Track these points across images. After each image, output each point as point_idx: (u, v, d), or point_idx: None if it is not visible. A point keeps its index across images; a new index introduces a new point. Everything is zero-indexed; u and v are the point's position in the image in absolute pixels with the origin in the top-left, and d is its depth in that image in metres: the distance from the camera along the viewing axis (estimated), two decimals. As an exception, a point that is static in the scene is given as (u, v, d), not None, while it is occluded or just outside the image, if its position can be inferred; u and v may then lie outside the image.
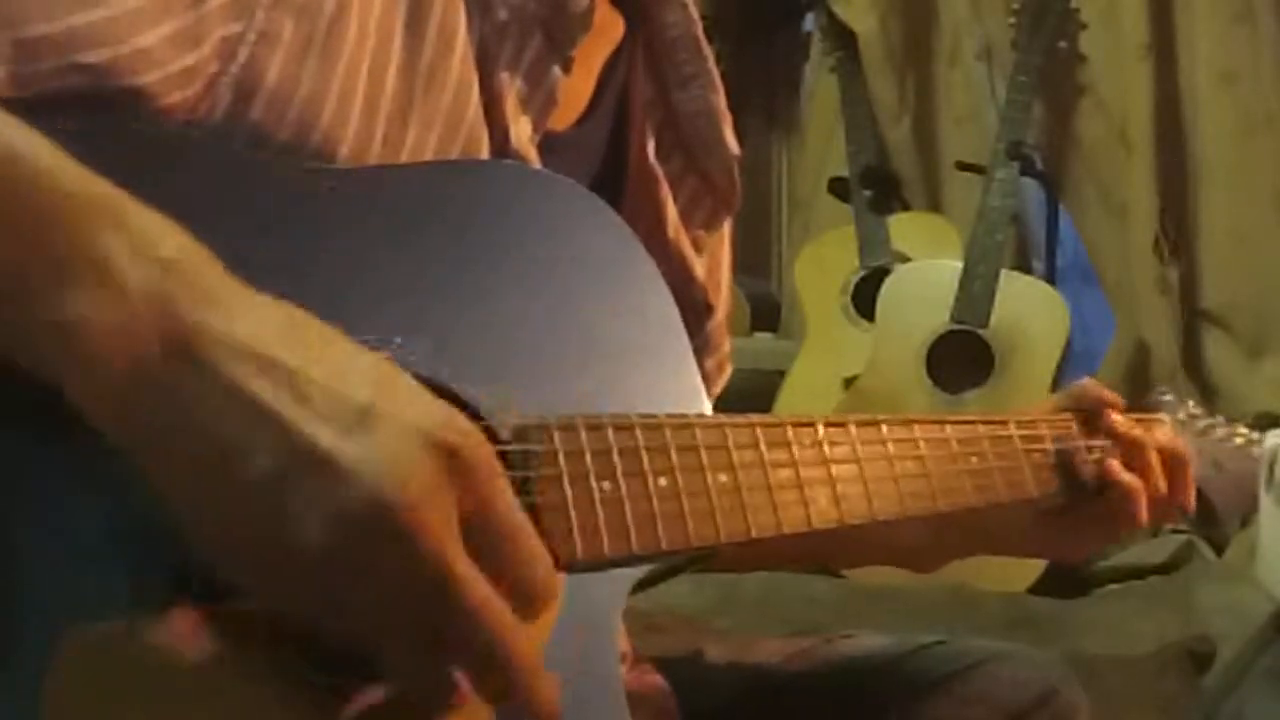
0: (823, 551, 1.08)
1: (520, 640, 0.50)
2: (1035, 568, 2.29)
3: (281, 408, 0.47)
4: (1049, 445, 0.91)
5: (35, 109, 0.49)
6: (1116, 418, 0.94)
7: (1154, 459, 0.94)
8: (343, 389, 0.48)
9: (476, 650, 0.49)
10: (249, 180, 0.60)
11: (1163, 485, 0.94)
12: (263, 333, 0.48)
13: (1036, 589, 2.26)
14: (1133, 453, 0.94)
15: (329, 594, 0.48)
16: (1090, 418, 0.95)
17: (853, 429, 0.76)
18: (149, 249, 0.47)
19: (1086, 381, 0.98)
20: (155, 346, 0.46)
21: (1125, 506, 0.92)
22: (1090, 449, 0.94)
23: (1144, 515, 0.93)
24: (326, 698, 0.53)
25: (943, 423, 0.84)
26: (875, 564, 1.03)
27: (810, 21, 3.32)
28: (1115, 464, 0.93)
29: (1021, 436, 0.90)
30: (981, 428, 0.87)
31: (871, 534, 0.78)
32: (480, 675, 0.50)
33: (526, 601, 0.51)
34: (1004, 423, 0.89)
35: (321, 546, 0.47)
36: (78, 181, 0.47)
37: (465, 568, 0.49)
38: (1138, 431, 0.95)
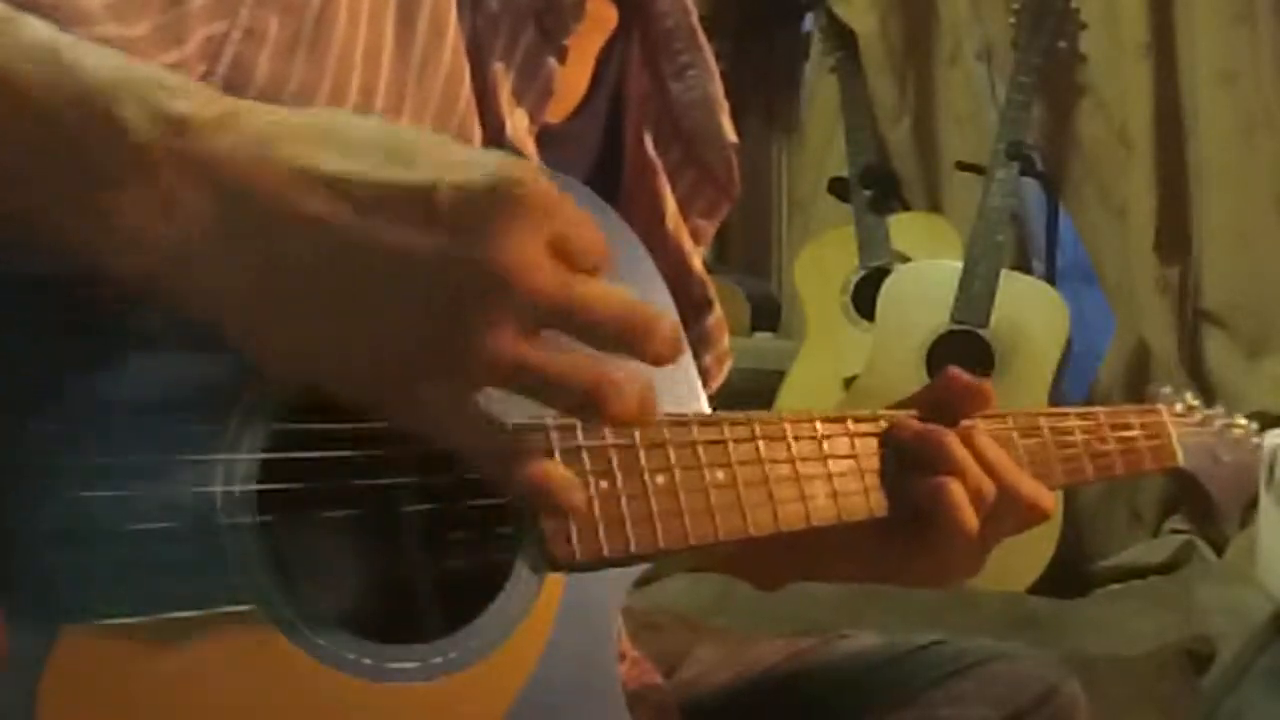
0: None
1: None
2: (1035, 567, 2.29)
3: (349, 219, 0.48)
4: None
5: None
6: (898, 425, 0.79)
7: (959, 453, 0.78)
8: (399, 179, 0.49)
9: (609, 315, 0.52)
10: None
11: (986, 484, 0.78)
12: (302, 152, 0.49)
13: (1036, 589, 2.26)
14: (929, 453, 0.78)
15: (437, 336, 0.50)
16: (946, 415, 0.81)
17: (851, 425, 0.76)
18: (166, 110, 0.48)
19: (947, 370, 0.82)
20: (192, 203, 0.48)
21: (940, 512, 0.76)
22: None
23: (968, 517, 0.77)
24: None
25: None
26: (722, 572, 0.93)
27: (810, 21, 3.32)
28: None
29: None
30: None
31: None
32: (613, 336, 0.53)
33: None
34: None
35: (423, 310, 0.49)
36: (91, 57, 0.48)
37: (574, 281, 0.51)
38: (930, 431, 0.79)
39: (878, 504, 0.76)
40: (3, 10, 0.48)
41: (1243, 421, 1.09)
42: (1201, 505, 1.02)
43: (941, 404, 0.81)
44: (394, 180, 0.49)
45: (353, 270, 0.49)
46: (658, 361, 0.54)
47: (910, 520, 0.77)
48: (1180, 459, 1.00)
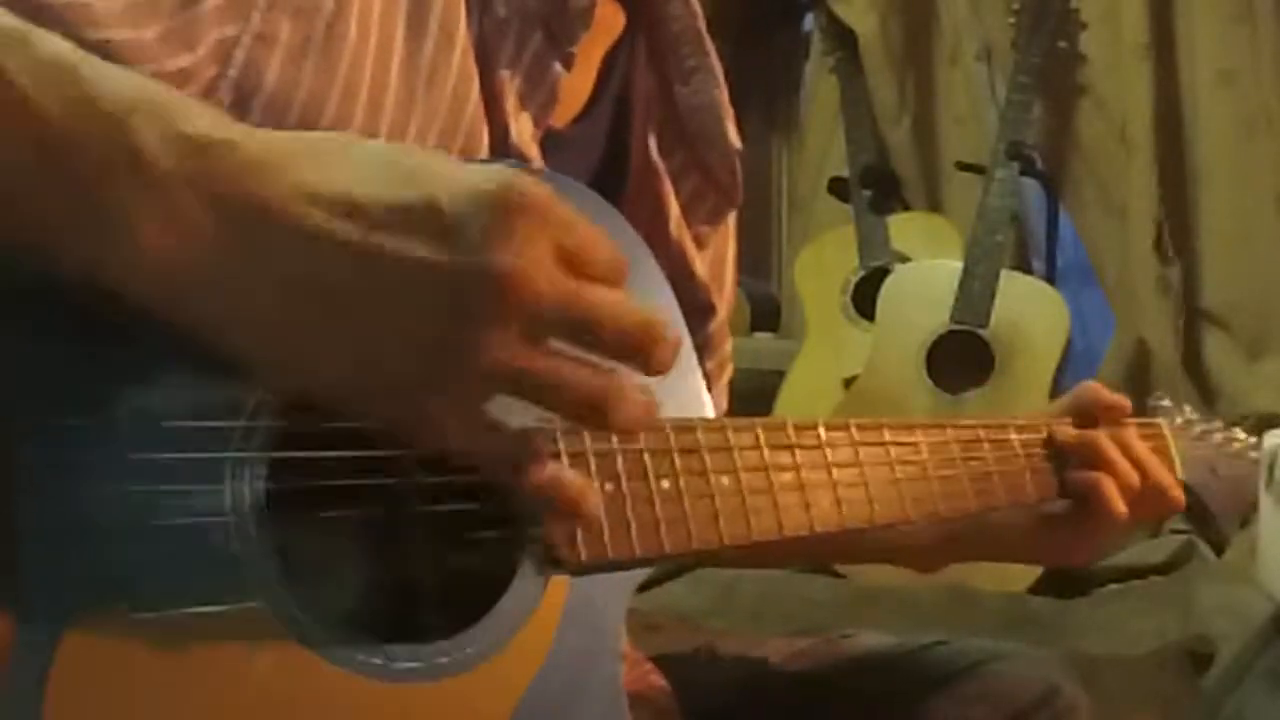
0: (824, 550, 1.08)
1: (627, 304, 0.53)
2: (1035, 567, 2.29)
3: (357, 236, 0.49)
4: (1046, 449, 0.91)
5: None
6: (1060, 429, 0.93)
7: (1113, 453, 0.92)
8: (402, 197, 0.50)
9: (618, 327, 0.52)
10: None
11: (1134, 477, 0.92)
12: (309, 172, 0.50)
13: (1036, 589, 2.26)
14: (1088, 453, 0.92)
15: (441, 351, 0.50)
16: (1089, 421, 0.94)
17: (855, 431, 0.76)
18: (180, 131, 0.49)
19: (1089, 384, 0.98)
20: (205, 223, 0.48)
21: (1096, 501, 0.91)
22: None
23: (1119, 506, 0.91)
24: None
25: (943, 426, 0.84)
26: (876, 562, 1.03)
27: (810, 21, 3.32)
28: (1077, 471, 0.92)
29: (1021, 441, 0.90)
30: (982, 431, 0.87)
31: (874, 532, 0.78)
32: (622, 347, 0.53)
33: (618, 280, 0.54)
34: (1004, 426, 0.89)
35: (432, 338, 0.50)
36: (107, 78, 0.49)
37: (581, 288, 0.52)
38: (1089, 434, 0.93)
39: (881, 511, 0.76)
40: (19, 26, 0.48)
41: (1240, 435, 1.10)
42: (1199, 516, 1.06)
43: (1084, 411, 0.95)
44: (399, 196, 0.50)
45: (359, 285, 0.49)
46: (657, 372, 0.54)
47: (1069, 509, 0.92)
48: (1179, 471, 1.01)
